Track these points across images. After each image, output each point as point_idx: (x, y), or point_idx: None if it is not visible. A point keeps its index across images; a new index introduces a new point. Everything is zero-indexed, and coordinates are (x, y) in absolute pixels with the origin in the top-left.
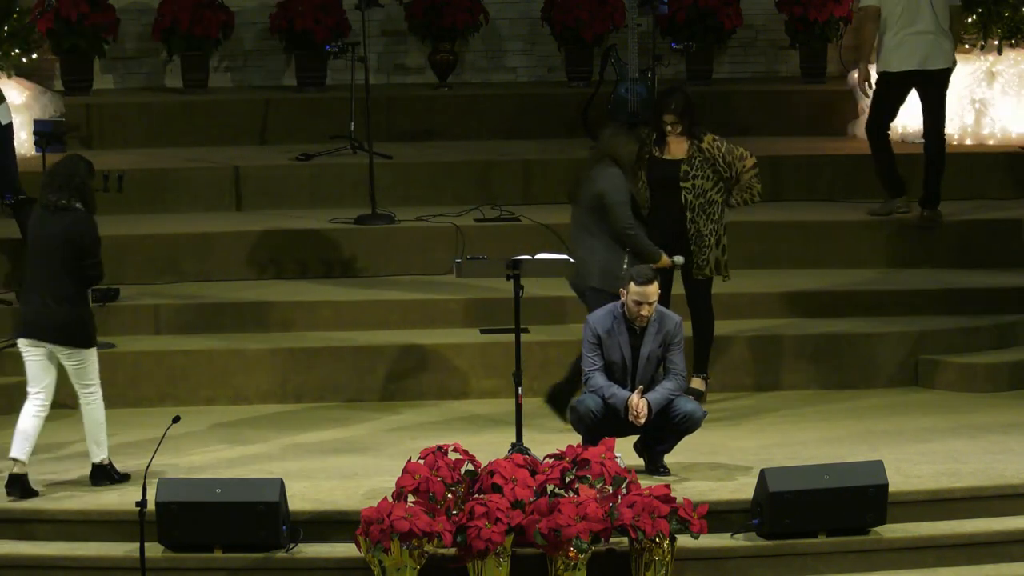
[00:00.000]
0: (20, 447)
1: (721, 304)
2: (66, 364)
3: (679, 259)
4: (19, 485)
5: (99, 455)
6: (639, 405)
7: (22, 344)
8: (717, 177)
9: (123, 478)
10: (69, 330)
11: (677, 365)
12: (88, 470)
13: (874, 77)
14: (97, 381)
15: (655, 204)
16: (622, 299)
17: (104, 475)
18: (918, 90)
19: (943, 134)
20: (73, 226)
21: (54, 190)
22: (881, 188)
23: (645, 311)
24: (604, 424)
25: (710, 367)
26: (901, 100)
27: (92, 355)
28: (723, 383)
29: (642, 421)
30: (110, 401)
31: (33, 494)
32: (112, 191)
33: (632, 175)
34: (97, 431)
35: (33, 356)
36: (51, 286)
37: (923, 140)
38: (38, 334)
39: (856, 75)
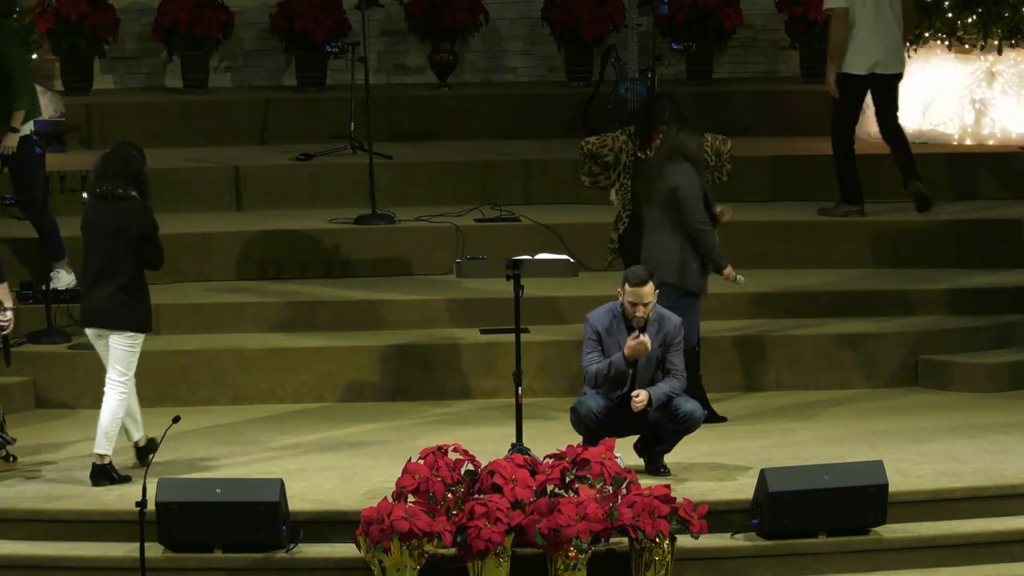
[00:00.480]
0: (106, 441)
1: (721, 304)
2: (115, 347)
3: (742, 279)
4: (105, 474)
5: (105, 448)
6: (638, 394)
7: (91, 334)
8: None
9: (124, 479)
10: (130, 315)
11: (677, 366)
12: (85, 474)
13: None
14: (132, 374)
15: (638, 205)
16: (620, 299)
17: (104, 475)
18: (872, 93)
19: (901, 129)
20: (131, 214)
21: (109, 179)
22: (838, 189)
23: (640, 312)
24: (605, 425)
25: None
26: (861, 102)
27: (140, 345)
28: (723, 383)
29: (640, 406)
30: None
31: (126, 479)
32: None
33: (702, 170)
34: (110, 424)
35: (103, 345)
36: (113, 275)
37: (882, 139)
38: (104, 322)
39: (828, 79)
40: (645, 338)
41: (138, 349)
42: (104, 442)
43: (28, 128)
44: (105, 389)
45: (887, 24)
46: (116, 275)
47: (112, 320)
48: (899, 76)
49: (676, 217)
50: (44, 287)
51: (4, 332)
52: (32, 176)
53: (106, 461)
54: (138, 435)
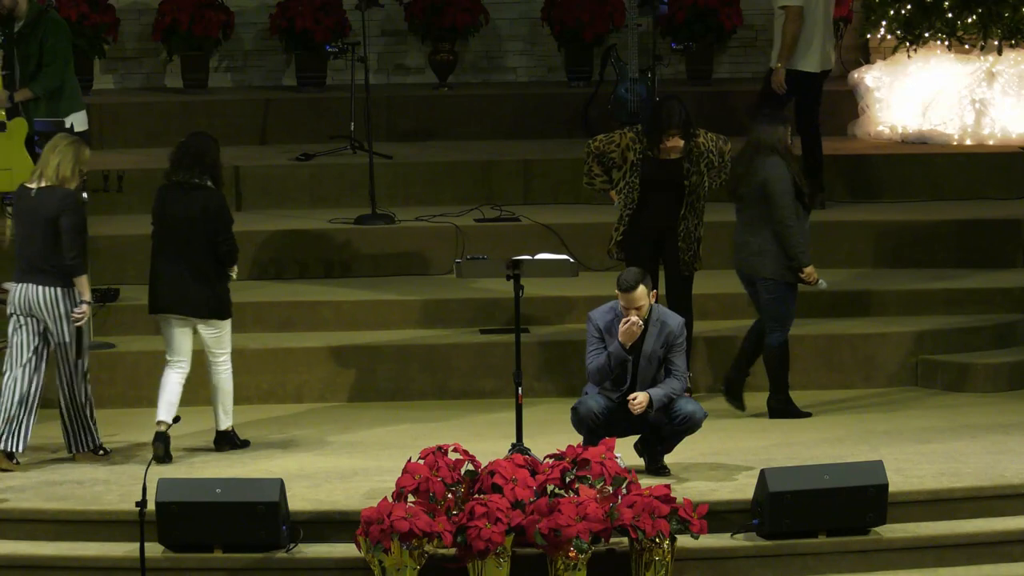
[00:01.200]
0: (166, 411)
1: (722, 304)
2: (203, 334)
3: (823, 283)
4: (164, 441)
5: (225, 423)
6: (636, 396)
7: (161, 317)
8: (705, 172)
9: (244, 444)
10: (209, 304)
11: (678, 367)
12: (85, 474)
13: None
14: (229, 351)
15: (643, 203)
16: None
17: (228, 440)
18: (810, 90)
19: (819, 127)
20: (205, 204)
21: (185, 168)
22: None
23: (634, 316)
24: (606, 425)
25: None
26: (814, 98)
27: (227, 326)
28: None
29: (640, 408)
30: (110, 401)
31: (169, 459)
32: (112, 191)
33: (792, 163)
34: (225, 399)
35: (173, 327)
36: (188, 262)
37: (799, 136)
38: (178, 308)
39: (779, 76)
40: (635, 318)
41: (224, 332)
42: (224, 417)
43: (71, 122)
44: (166, 369)
45: (829, 22)
46: (187, 263)
47: (187, 307)
48: (829, 73)
49: (767, 212)
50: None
51: (78, 324)
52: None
53: (230, 429)
54: (168, 419)
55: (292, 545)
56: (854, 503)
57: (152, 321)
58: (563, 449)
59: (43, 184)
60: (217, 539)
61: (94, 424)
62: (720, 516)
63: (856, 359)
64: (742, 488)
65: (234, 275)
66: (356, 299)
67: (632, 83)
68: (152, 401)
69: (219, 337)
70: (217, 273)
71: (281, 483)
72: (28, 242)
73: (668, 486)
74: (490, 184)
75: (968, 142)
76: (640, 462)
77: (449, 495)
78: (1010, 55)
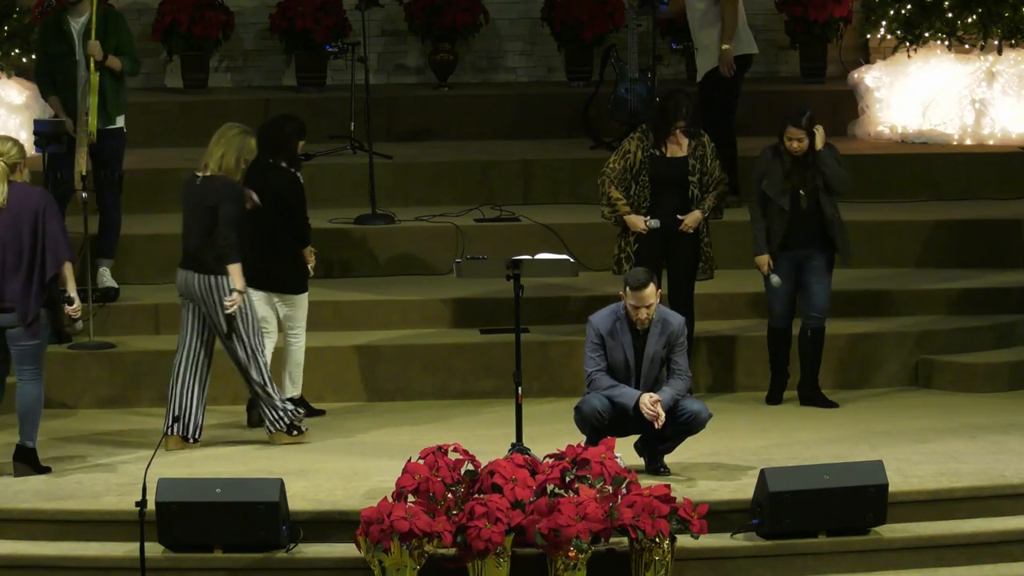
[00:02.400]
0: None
1: (722, 304)
2: (280, 308)
3: (776, 280)
4: (305, 404)
5: (292, 391)
6: (655, 405)
7: (254, 292)
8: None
9: (319, 412)
10: (285, 279)
11: (681, 366)
12: (85, 474)
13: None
14: (303, 325)
15: (653, 203)
16: (623, 301)
17: (303, 405)
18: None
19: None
20: (276, 183)
21: (264, 149)
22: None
23: (643, 314)
24: (609, 425)
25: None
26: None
27: (303, 300)
28: (724, 383)
29: (661, 421)
30: (110, 401)
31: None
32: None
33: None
34: (295, 370)
35: (259, 302)
36: (266, 240)
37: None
38: (260, 284)
39: (728, 56)
40: (661, 414)
41: (297, 307)
42: (291, 386)
43: (122, 122)
44: (285, 342)
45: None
46: (263, 240)
47: (279, 285)
48: None
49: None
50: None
51: (229, 311)
52: (119, 163)
53: (298, 396)
54: (293, 392)
55: (292, 545)
56: (854, 503)
57: (152, 321)
58: (563, 449)
59: (207, 173)
60: (217, 539)
61: (279, 405)
62: (720, 516)
63: (856, 359)
64: (742, 488)
65: (310, 262)
66: (356, 299)
67: (632, 83)
68: (152, 401)
69: (292, 311)
70: (290, 249)
71: (281, 483)
72: (189, 230)
73: (668, 486)
74: (490, 184)
75: (968, 142)
76: (640, 462)
77: (449, 495)
78: (1010, 55)
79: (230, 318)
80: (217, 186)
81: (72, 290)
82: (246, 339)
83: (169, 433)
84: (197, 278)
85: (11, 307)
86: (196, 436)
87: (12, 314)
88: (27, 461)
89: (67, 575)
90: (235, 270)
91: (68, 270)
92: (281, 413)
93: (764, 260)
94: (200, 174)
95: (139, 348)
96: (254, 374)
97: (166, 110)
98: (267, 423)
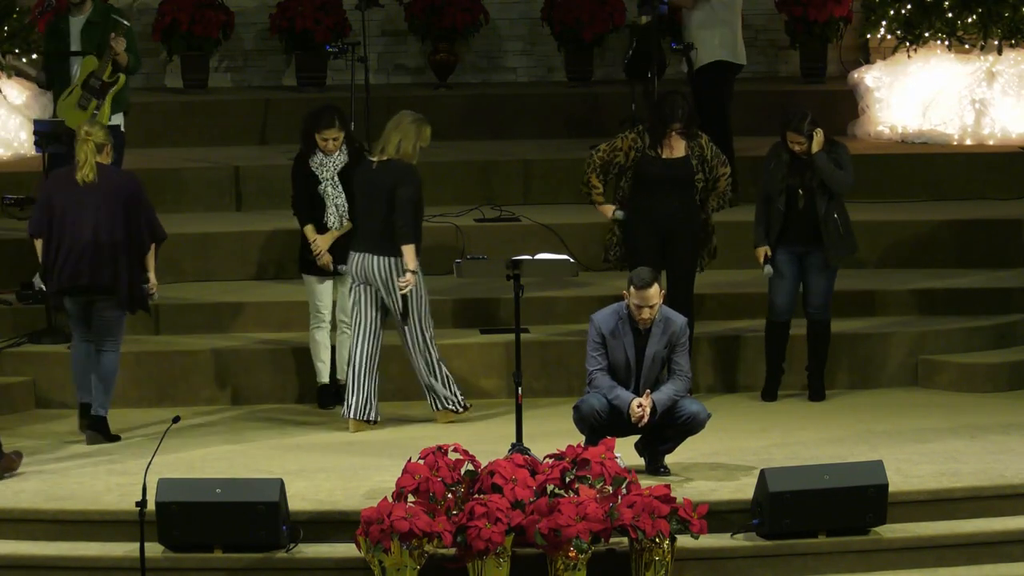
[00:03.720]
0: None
1: (723, 304)
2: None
3: (768, 270)
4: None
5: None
6: (642, 407)
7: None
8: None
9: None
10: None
11: (682, 367)
12: (85, 474)
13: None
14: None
15: (647, 203)
16: (626, 300)
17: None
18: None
19: None
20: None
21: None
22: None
23: (646, 314)
24: (608, 424)
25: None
26: None
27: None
28: (724, 383)
29: (643, 424)
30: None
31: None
32: None
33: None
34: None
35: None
36: (376, 232)
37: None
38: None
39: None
40: (646, 413)
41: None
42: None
43: (120, 119)
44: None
45: None
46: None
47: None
48: None
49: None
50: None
51: (403, 292)
52: (118, 163)
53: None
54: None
55: (292, 545)
56: (854, 503)
57: (152, 321)
58: (563, 449)
59: (383, 158)
60: (217, 539)
61: (450, 386)
62: (720, 516)
63: (856, 359)
64: (742, 488)
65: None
66: None
67: None
68: (152, 401)
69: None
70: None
71: (281, 483)
72: (366, 213)
73: (668, 486)
74: (490, 184)
75: (968, 142)
76: (640, 462)
77: (449, 495)
78: (1010, 55)
79: (404, 299)
80: (394, 169)
81: (151, 269)
82: (418, 320)
83: (350, 417)
84: (375, 260)
85: (105, 283)
86: (375, 418)
87: (105, 291)
88: (98, 429)
89: (67, 575)
90: (409, 251)
91: (152, 249)
92: (449, 393)
93: (761, 251)
94: (375, 159)
95: (140, 348)
96: (425, 355)
97: (166, 110)
98: (433, 401)
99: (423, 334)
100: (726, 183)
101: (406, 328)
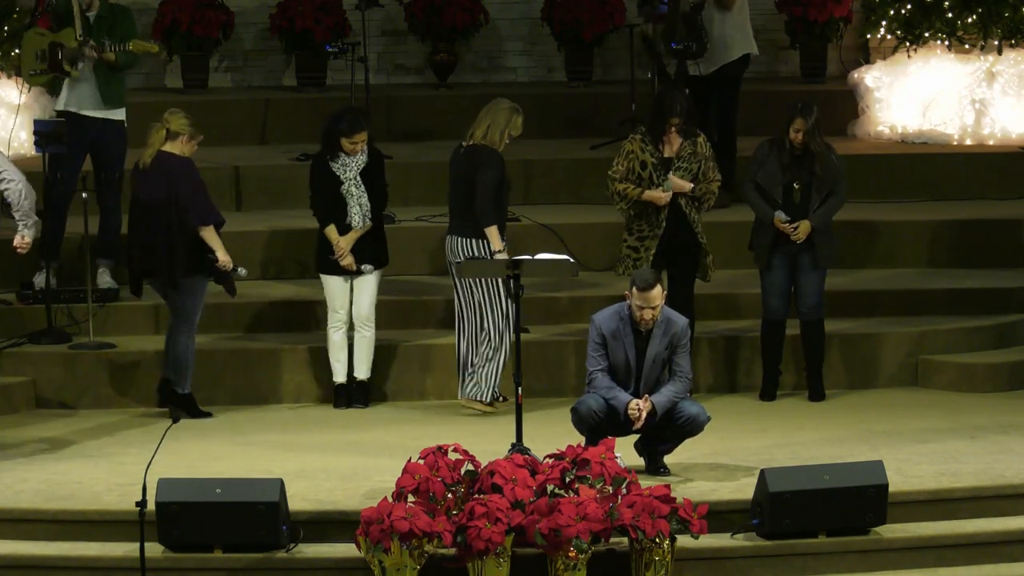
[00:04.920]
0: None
1: (723, 304)
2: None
3: (781, 215)
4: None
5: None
6: (638, 407)
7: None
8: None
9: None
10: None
11: (683, 368)
12: (85, 474)
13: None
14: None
15: (649, 203)
16: (628, 300)
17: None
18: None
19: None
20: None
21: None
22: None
23: (648, 315)
24: (607, 424)
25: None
26: None
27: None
28: (724, 383)
29: (639, 425)
30: (110, 401)
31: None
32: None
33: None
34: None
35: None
36: (459, 214)
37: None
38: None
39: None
40: (643, 417)
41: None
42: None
43: (122, 115)
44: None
45: None
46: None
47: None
48: None
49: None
50: (43, 286)
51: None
52: (120, 164)
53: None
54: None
55: (292, 545)
56: (854, 503)
57: (152, 321)
58: (563, 449)
59: (471, 143)
60: (217, 539)
61: (494, 375)
62: (720, 516)
63: (856, 359)
64: (742, 488)
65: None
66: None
67: None
68: (152, 401)
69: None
70: (479, 231)
71: (281, 483)
72: (452, 196)
73: (668, 486)
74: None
75: (968, 142)
76: (640, 462)
77: (449, 495)
78: (1010, 55)
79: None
80: (477, 153)
81: (218, 249)
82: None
83: (474, 399)
84: (459, 241)
85: (158, 270)
86: (495, 397)
87: (159, 277)
88: (183, 406)
89: (67, 575)
90: (492, 232)
91: (210, 232)
92: (492, 382)
93: (779, 217)
94: (465, 144)
95: (139, 348)
96: (488, 338)
97: (166, 110)
98: (474, 388)
99: (493, 318)
100: (711, 195)
101: (491, 308)
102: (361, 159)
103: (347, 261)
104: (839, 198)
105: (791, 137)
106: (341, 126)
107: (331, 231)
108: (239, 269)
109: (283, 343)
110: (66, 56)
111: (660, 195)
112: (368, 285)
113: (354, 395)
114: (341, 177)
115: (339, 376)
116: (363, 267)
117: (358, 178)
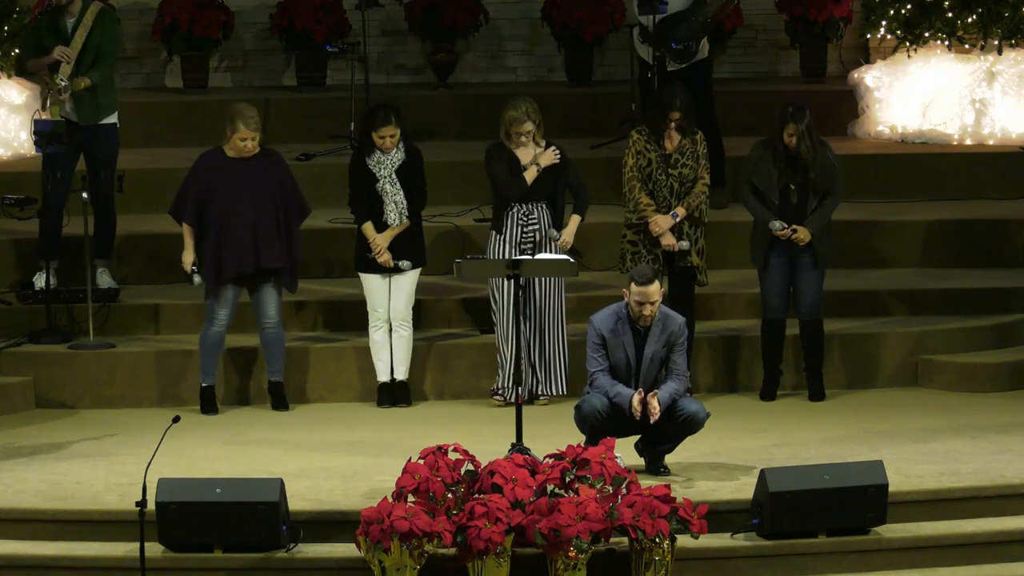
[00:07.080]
0: None
1: (723, 304)
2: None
3: (777, 225)
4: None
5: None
6: (651, 404)
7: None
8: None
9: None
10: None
11: (680, 366)
12: (85, 474)
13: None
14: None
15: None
16: (625, 299)
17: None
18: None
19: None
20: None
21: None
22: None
23: (647, 311)
24: (609, 424)
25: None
26: None
27: None
28: (724, 383)
29: (656, 417)
30: (109, 401)
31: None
32: (112, 191)
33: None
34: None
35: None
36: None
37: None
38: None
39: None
40: (655, 408)
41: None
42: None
43: (115, 118)
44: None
45: None
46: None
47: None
48: None
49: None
50: (43, 286)
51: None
52: (112, 164)
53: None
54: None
55: (292, 545)
56: (854, 503)
57: (152, 321)
58: (563, 449)
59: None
60: (217, 539)
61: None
62: (720, 516)
63: (856, 359)
64: (742, 488)
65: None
66: (356, 299)
67: None
68: (152, 401)
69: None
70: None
71: (281, 483)
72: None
73: (668, 486)
74: (490, 184)
75: (968, 142)
76: (640, 462)
77: (449, 495)
78: (1010, 55)
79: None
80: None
81: (186, 249)
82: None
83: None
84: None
85: (274, 266)
86: (542, 392)
87: (274, 271)
88: (273, 392)
89: (67, 575)
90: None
91: (186, 230)
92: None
93: (774, 227)
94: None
95: (139, 348)
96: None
97: (166, 110)
98: (547, 385)
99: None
100: (700, 198)
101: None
102: (397, 157)
103: (384, 257)
104: (835, 198)
105: (785, 141)
106: (370, 120)
107: (368, 228)
108: (194, 277)
109: (314, 343)
110: (53, 99)
111: (663, 226)
112: (405, 284)
113: (398, 395)
114: (376, 174)
115: (382, 375)
116: (400, 263)
117: (393, 176)
